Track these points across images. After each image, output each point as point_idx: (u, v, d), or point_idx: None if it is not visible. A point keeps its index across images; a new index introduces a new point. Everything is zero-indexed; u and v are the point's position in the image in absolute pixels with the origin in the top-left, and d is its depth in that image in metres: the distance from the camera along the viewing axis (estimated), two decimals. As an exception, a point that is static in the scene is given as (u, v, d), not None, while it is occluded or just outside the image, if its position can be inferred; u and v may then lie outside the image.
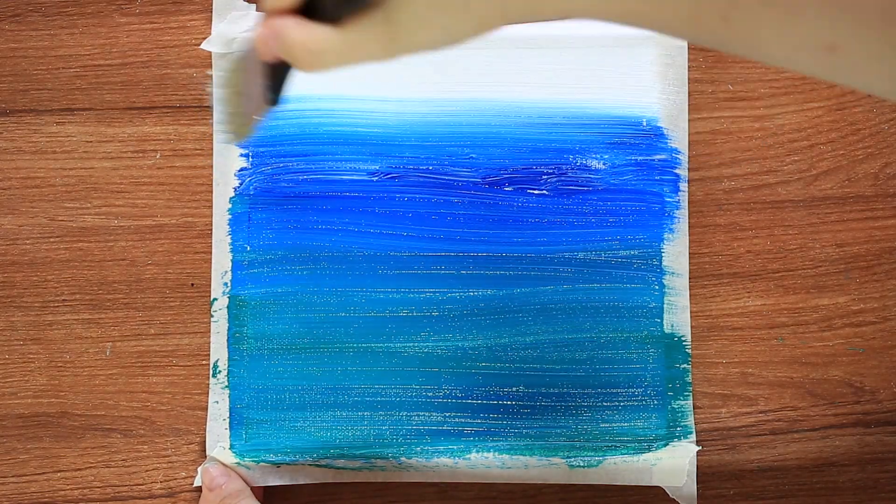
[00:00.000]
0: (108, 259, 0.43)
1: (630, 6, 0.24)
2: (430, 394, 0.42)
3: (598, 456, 0.41)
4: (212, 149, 0.43)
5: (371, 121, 0.42)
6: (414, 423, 0.41)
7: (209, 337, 0.42)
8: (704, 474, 0.42)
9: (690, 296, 0.42)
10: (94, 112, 0.44)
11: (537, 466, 0.41)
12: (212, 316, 0.42)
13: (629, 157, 0.42)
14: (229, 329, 0.42)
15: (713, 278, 0.43)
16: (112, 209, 0.43)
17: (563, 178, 0.42)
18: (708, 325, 0.43)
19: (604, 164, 0.42)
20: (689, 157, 0.43)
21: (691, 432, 0.42)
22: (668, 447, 0.41)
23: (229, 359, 0.42)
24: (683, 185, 0.43)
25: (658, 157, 0.42)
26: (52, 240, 0.43)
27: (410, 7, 0.25)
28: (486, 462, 0.41)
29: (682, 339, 0.42)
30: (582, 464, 0.41)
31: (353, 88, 0.43)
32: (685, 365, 0.42)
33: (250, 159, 0.43)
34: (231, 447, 0.42)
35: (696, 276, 0.43)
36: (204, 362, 0.43)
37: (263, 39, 0.28)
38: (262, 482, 0.41)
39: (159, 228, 0.43)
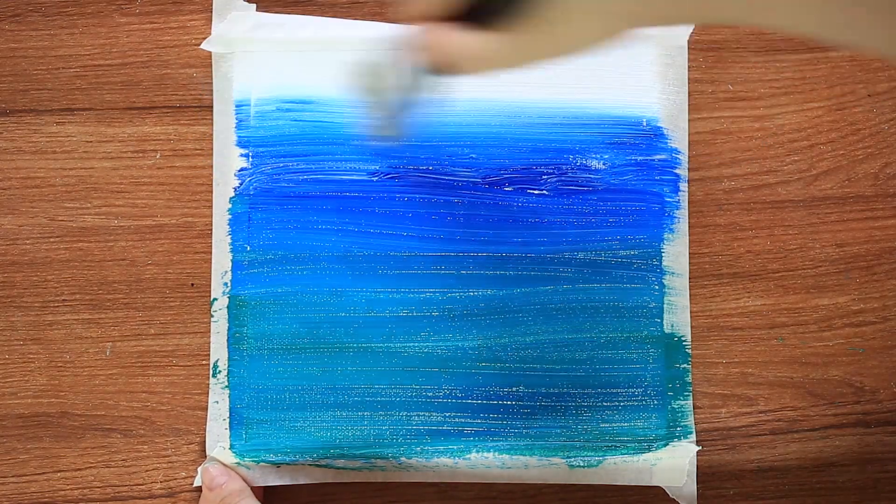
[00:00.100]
0: (108, 259, 0.43)
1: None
2: (429, 394, 0.42)
3: (598, 456, 0.41)
4: (212, 149, 0.43)
5: (371, 121, 0.42)
6: (414, 423, 0.41)
7: (209, 337, 0.42)
8: (704, 474, 0.42)
9: (690, 296, 0.42)
10: (94, 112, 0.44)
11: (537, 466, 0.41)
12: (212, 316, 0.42)
13: (629, 157, 0.42)
14: (229, 329, 0.42)
15: (713, 278, 0.43)
16: (112, 209, 0.43)
17: (563, 178, 0.42)
18: (708, 325, 0.43)
19: (604, 164, 0.42)
20: (689, 157, 0.43)
21: (691, 432, 0.42)
22: (668, 447, 0.41)
23: (229, 359, 0.42)
24: (683, 185, 0.43)
25: (658, 157, 0.42)
26: (52, 240, 0.43)
27: (572, 9, 0.25)
28: (486, 462, 0.41)
29: (682, 339, 0.42)
30: (582, 464, 0.41)
31: (353, 88, 0.43)
32: (685, 365, 0.42)
33: (250, 159, 0.43)
34: (231, 447, 0.42)
35: (696, 276, 0.43)
36: (204, 362, 0.43)
37: (423, 47, 0.28)
38: (262, 482, 0.41)
39: (159, 228, 0.43)
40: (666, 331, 0.42)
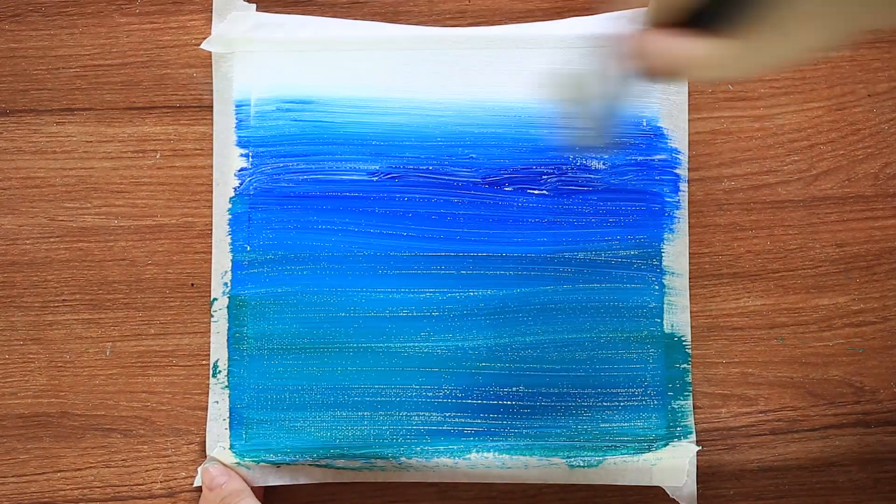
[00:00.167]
0: (108, 259, 0.43)
1: None
2: (430, 394, 0.42)
3: (598, 456, 0.41)
4: (212, 149, 0.43)
5: (371, 121, 0.42)
6: (414, 423, 0.41)
7: (209, 337, 0.42)
8: (704, 474, 0.42)
9: (690, 296, 0.42)
10: (94, 112, 0.44)
11: (537, 466, 0.41)
12: (212, 316, 0.42)
13: (629, 157, 0.42)
14: (229, 329, 0.42)
15: (713, 278, 0.43)
16: (112, 209, 0.43)
17: (563, 178, 0.42)
18: (708, 325, 0.43)
19: (604, 164, 0.42)
20: (689, 157, 0.43)
21: (691, 432, 0.42)
22: (668, 447, 0.41)
23: (229, 359, 0.42)
24: (683, 185, 0.43)
25: (658, 157, 0.42)
26: (52, 240, 0.43)
27: (799, 13, 0.25)
28: (486, 462, 0.41)
29: (682, 339, 0.42)
30: (582, 464, 0.41)
31: (354, 89, 0.43)
32: (685, 365, 0.42)
33: (250, 159, 0.43)
34: (231, 447, 0.42)
35: (696, 276, 0.43)
36: (204, 362, 0.43)
37: (640, 53, 0.28)
38: (262, 482, 0.41)
39: (159, 228, 0.43)
40: (666, 331, 0.42)
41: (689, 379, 0.42)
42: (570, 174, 0.42)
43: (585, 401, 0.41)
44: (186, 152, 0.43)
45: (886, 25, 0.27)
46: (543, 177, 0.42)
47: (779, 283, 0.43)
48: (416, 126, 0.42)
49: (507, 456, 0.41)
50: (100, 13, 0.44)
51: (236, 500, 0.39)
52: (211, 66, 0.43)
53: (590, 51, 0.41)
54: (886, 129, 0.43)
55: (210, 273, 0.43)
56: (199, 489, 0.42)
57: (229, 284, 0.42)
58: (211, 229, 0.43)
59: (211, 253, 0.43)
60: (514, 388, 0.42)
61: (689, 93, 0.43)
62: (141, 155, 0.43)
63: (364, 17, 0.44)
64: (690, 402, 0.42)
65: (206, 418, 0.42)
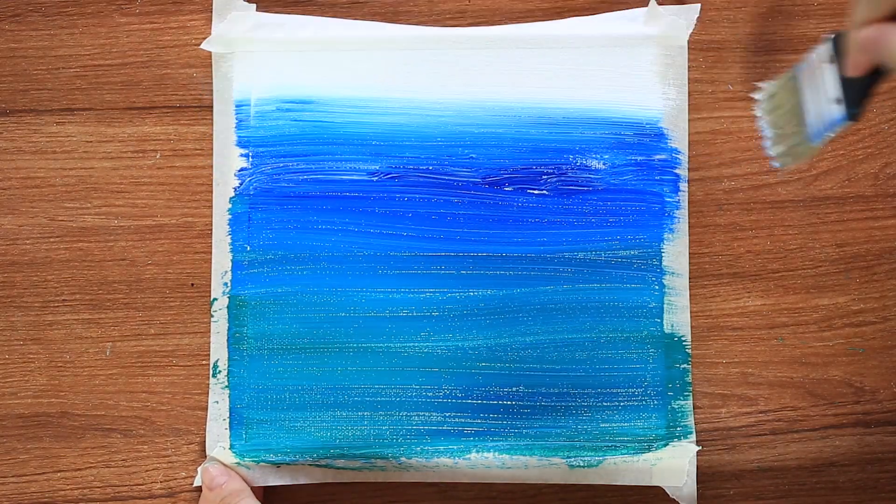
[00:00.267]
0: (108, 259, 0.43)
1: None
2: (430, 394, 0.42)
3: (598, 456, 0.41)
4: (212, 149, 0.43)
5: (371, 121, 0.42)
6: (414, 423, 0.41)
7: (209, 337, 0.42)
8: (704, 474, 0.42)
9: (690, 296, 0.42)
10: (94, 112, 0.44)
11: (537, 466, 0.41)
12: (212, 316, 0.42)
13: (629, 157, 0.42)
14: (229, 329, 0.42)
15: (713, 278, 0.43)
16: (112, 209, 0.43)
17: (563, 178, 0.42)
18: (708, 325, 0.43)
19: (604, 164, 0.42)
20: (689, 157, 0.43)
21: (691, 432, 0.42)
22: (668, 447, 0.41)
23: (229, 359, 0.42)
24: (683, 185, 0.43)
25: (658, 157, 0.42)
26: (52, 240, 0.43)
27: None
28: (486, 462, 0.41)
29: (682, 339, 0.42)
30: (582, 464, 0.41)
31: (354, 89, 0.43)
32: (685, 365, 0.42)
33: (250, 159, 0.43)
34: (231, 447, 0.42)
35: (696, 276, 0.43)
36: (204, 362, 0.43)
37: (865, 49, 0.27)
38: (262, 482, 0.41)
39: (159, 228, 0.43)
40: (666, 331, 0.42)
41: (689, 379, 0.42)
42: (570, 174, 0.42)
43: (585, 401, 0.41)
44: (186, 152, 0.43)
45: None
46: (543, 177, 0.42)
47: (779, 283, 0.43)
48: (416, 126, 0.42)
49: (507, 456, 0.41)
50: (100, 13, 0.44)
51: (236, 500, 0.39)
52: (211, 66, 0.43)
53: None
54: (886, 129, 0.43)
55: (210, 273, 0.43)
56: (199, 489, 0.42)
57: (229, 284, 0.42)
58: (211, 229, 0.43)
59: (211, 253, 0.43)
60: (514, 388, 0.42)
61: (689, 93, 0.43)
62: (141, 155, 0.43)
63: (364, 17, 0.44)
64: (690, 402, 0.42)
65: (206, 418, 0.42)
